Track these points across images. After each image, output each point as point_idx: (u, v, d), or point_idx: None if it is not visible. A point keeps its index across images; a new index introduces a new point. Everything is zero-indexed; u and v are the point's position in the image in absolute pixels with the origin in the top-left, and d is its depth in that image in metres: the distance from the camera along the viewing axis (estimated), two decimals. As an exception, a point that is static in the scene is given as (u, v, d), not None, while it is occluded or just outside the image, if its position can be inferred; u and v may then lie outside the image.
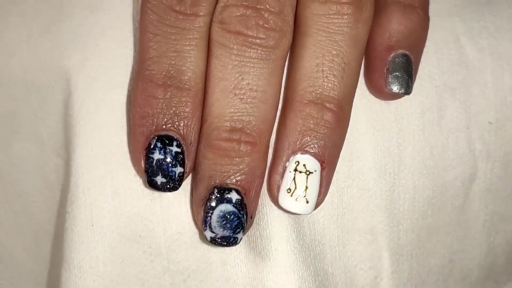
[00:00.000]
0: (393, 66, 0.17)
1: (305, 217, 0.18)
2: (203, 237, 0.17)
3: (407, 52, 0.17)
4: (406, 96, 0.18)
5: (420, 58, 0.18)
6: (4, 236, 0.21)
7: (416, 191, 0.19)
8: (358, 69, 0.17)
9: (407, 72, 0.17)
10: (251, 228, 0.18)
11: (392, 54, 0.17)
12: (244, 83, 0.16)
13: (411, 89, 0.18)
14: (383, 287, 0.19)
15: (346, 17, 0.16)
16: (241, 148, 0.16)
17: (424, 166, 0.19)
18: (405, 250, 0.19)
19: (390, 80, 0.17)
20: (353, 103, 0.18)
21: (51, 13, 0.19)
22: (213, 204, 0.16)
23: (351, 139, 0.18)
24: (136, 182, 0.17)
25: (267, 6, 0.16)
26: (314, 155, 0.16)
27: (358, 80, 0.17)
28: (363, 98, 0.18)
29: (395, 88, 0.17)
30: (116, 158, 0.17)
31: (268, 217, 0.18)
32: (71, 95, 0.18)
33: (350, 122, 0.18)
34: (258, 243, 0.18)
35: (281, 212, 0.18)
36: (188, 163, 0.17)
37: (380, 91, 0.18)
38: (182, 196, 0.17)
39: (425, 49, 0.19)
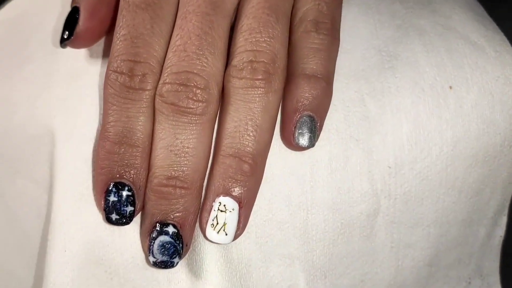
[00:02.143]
0: (298, 125, 0.21)
1: (234, 244, 0.22)
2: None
3: (312, 113, 0.21)
4: (317, 146, 0.22)
5: (325, 117, 0.22)
6: (7, 255, 0.26)
7: (326, 223, 0.22)
8: (270, 129, 0.21)
9: (310, 129, 0.21)
10: (189, 253, 0.22)
11: (298, 115, 0.21)
12: (178, 141, 0.20)
13: (314, 143, 0.21)
14: (300, 301, 0.23)
15: (258, 89, 0.20)
16: (177, 192, 0.20)
17: (332, 203, 0.22)
18: (319, 271, 0.23)
19: (296, 135, 0.21)
20: (273, 153, 0.22)
21: (43, 79, 0.24)
22: (154, 235, 0.21)
23: (270, 182, 0.22)
24: (99, 217, 0.22)
25: (195, 83, 0.20)
26: (233, 197, 0.21)
27: (271, 137, 0.21)
28: (281, 149, 0.22)
29: (300, 142, 0.22)
30: (85, 198, 0.22)
31: (201, 245, 0.22)
32: (54, 146, 0.23)
33: (270, 168, 0.22)
34: (194, 265, 0.22)
35: (212, 241, 0.22)
36: (138, 203, 0.21)
37: (289, 144, 0.22)
38: (135, 228, 0.22)
39: (333, 107, 0.22)
